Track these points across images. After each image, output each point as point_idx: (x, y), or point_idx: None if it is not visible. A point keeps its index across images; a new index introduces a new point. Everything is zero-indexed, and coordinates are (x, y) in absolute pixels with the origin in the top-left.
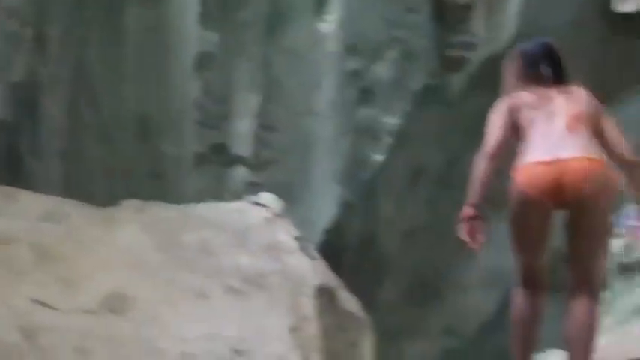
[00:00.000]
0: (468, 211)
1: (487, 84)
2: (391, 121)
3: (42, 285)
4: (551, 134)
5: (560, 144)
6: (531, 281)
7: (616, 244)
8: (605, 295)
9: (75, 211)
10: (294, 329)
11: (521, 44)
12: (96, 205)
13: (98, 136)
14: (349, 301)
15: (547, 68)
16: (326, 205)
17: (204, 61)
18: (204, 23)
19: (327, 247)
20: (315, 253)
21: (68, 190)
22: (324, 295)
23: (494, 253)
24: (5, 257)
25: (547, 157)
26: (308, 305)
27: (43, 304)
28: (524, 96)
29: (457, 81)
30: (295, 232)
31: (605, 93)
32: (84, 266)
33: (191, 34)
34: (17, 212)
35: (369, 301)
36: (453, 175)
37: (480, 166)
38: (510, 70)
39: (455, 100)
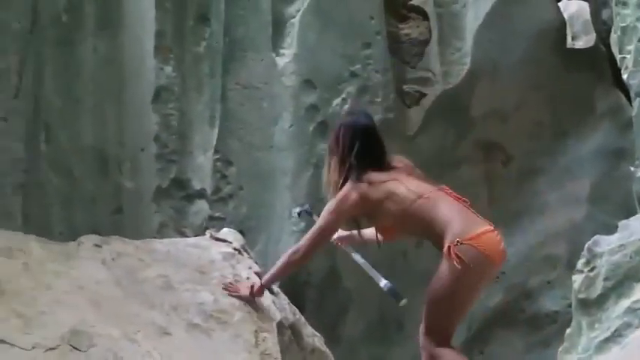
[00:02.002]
0: (259, 291)
1: (442, 119)
2: None
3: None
4: (454, 208)
5: (474, 216)
6: (450, 340)
7: (577, 279)
8: (567, 332)
9: (33, 246)
10: None
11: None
12: (55, 239)
13: (57, 169)
14: (313, 337)
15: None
16: (287, 240)
17: (161, 95)
18: (161, 56)
19: (290, 282)
20: (277, 289)
21: (27, 225)
22: (287, 331)
23: None
24: None
25: (485, 227)
26: (271, 341)
27: (2, 341)
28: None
29: (413, 115)
30: (256, 268)
31: (562, 128)
32: (43, 302)
33: (148, 67)
34: None
35: (332, 337)
36: None
37: (294, 262)
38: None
39: (411, 135)
